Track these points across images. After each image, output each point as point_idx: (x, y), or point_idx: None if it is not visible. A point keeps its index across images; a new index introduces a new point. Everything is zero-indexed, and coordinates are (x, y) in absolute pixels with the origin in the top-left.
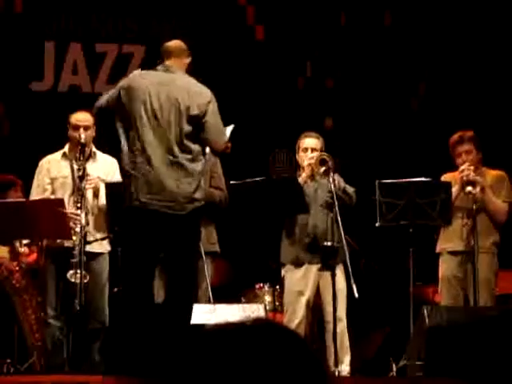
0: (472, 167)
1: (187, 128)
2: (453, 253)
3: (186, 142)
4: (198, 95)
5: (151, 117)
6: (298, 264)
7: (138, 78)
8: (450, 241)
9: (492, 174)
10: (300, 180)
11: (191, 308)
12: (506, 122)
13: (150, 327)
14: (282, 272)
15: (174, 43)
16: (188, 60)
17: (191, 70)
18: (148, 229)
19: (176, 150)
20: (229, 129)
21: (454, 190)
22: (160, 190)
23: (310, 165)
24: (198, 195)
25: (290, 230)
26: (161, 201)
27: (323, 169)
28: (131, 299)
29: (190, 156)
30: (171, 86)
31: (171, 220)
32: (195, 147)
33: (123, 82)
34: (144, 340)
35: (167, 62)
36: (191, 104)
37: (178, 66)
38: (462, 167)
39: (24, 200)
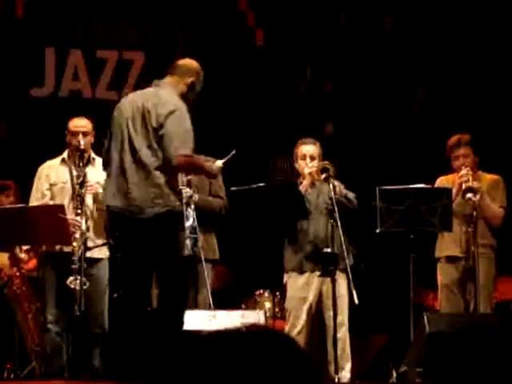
0: (471, 173)
1: (153, 135)
2: (451, 259)
3: (155, 147)
4: (160, 105)
5: (125, 125)
6: (301, 271)
7: (127, 97)
8: (447, 247)
9: (488, 178)
10: (301, 188)
11: (179, 314)
12: (503, 127)
13: (144, 332)
14: (285, 278)
15: (184, 61)
16: (190, 79)
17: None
18: (122, 233)
19: (142, 155)
20: (228, 156)
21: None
22: (123, 194)
23: (310, 174)
24: (160, 201)
25: (292, 238)
26: (124, 205)
27: (324, 176)
28: (124, 304)
29: (157, 163)
30: (145, 96)
31: (136, 224)
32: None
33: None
34: (141, 345)
35: (165, 79)
36: (152, 113)
37: (172, 83)
38: (461, 172)
39: (24, 206)
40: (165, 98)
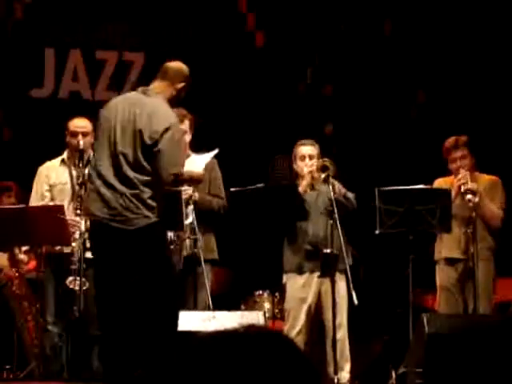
0: (469, 175)
1: (142, 150)
2: (450, 261)
3: (142, 163)
4: (156, 122)
5: (112, 134)
6: (300, 272)
7: (113, 100)
8: (447, 248)
9: (485, 179)
10: (300, 189)
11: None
12: (501, 128)
13: (140, 335)
14: (284, 278)
15: (175, 65)
16: (180, 85)
17: (187, 95)
18: (107, 243)
19: (128, 168)
20: (210, 154)
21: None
22: (107, 204)
23: (310, 172)
24: (148, 213)
25: (292, 238)
26: (110, 215)
27: (324, 175)
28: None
29: (144, 178)
30: (135, 107)
31: (124, 235)
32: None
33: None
34: (139, 347)
35: (154, 83)
36: (145, 129)
37: (162, 90)
38: (459, 175)
39: (24, 206)
40: (158, 111)
